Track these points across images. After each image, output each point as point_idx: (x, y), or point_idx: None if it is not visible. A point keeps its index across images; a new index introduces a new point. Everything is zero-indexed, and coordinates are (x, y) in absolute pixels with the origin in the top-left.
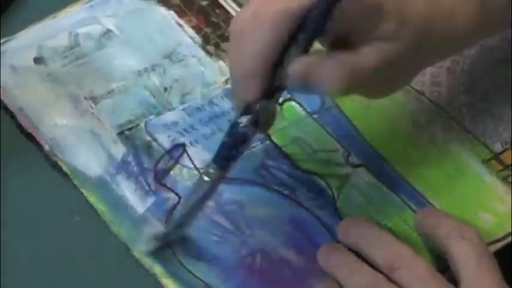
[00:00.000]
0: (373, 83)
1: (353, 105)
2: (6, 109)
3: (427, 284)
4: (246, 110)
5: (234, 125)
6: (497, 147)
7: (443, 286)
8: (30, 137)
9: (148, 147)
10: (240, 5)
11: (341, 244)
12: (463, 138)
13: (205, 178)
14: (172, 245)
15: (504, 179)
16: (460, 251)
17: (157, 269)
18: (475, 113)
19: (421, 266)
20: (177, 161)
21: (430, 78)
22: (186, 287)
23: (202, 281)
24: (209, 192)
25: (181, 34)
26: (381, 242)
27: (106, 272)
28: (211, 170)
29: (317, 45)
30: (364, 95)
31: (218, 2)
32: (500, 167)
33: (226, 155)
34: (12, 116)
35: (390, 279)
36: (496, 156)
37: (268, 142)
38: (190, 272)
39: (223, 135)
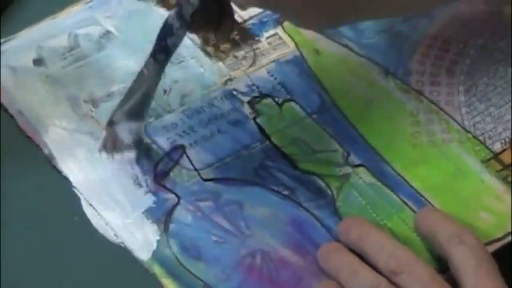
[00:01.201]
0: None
1: (353, 105)
2: (6, 112)
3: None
4: (177, 5)
5: (167, 18)
6: (497, 147)
7: None
8: (30, 139)
9: (147, 149)
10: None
11: (341, 244)
12: (463, 138)
13: (145, 72)
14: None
15: (504, 179)
16: (460, 255)
17: (157, 269)
18: (474, 113)
19: (423, 270)
20: (176, 163)
21: (429, 78)
22: (185, 287)
23: (201, 281)
24: (150, 85)
25: None
26: (383, 245)
27: (106, 272)
28: (149, 65)
29: None
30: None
31: None
32: (500, 167)
33: (159, 48)
34: (13, 116)
35: (392, 283)
36: (496, 156)
37: (267, 142)
38: (189, 271)
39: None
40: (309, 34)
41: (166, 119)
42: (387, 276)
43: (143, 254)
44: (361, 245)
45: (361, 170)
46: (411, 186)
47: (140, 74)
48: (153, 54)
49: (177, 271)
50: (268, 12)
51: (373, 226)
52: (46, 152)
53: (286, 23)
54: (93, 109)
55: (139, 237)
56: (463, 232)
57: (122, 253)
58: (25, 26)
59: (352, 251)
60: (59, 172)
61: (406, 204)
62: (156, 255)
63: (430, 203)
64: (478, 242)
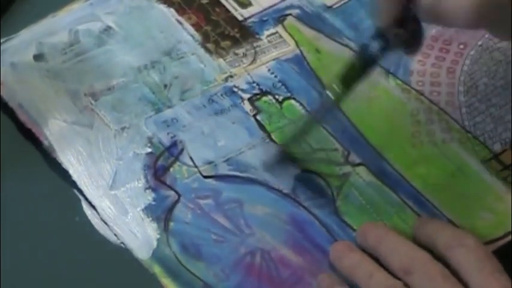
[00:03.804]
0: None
1: (353, 104)
2: (6, 106)
3: None
4: (378, 34)
5: (365, 48)
6: (497, 147)
7: None
8: (29, 134)
9: (147, 144)
10: (239, 4)
11: (353, 244)
12: (463, 139)
13: (330, 96)
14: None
15: (504, 179)
16: (461, 259)
17: (157, 269)
18: (474, 113)
19: (437, 271)
20: (176, 159)
21: (429, 78)
22: (185, 287)
23: (201, 280)
24: (331, 109)
25: (181, 31)
26: (398, 246)
27: (106, 272)
28: (336, 89)
29: None
30: (492, 31)
31: (218, 0)
32: (500, 167)
33: (354, 75)
34: (12, 116)
35: (407, 285)
36: (496, 157)
37: (268, 140)
38: (189, 271)
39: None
40: (309, 33)
41: (167, 114)
42: (400, 276)
43: (143, 253)
44: (378, 247)
45: (361, 169)
46: (411, 185)
47: (325, 98)
48: (346, 81)
49: (176, 271)
50: (268, 11)
51: (390, 230)
52: (46, 144)
53: (286, 22)
54: (93, 102)
55: (139, 236)
56: (461, 235)
57: (122, 253)
58: (26, 25)
59: (369, 255)
60: (59, 171)
61: (406, 204)
62: (156, 255)
63: (430, 202)
64: (477, 243)
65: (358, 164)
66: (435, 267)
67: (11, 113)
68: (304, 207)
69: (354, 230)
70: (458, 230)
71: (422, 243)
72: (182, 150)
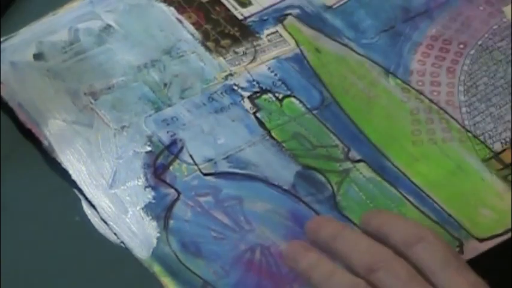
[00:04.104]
0: None
1: (353, 102)
2: (6, 106)
3: (407, 287)
4: None
5: None
6: (497, 147)
7: None
8: (29, 134)
9: (147, 142)
10: (240, 3)
11: (308, 243)
12: (463, 137)
13: None
14: None
15: (504, 178)
16: (423, 256)
17: (157, 268)
18: (474, 112)
19: (401, 268)
20: (176, 157)
21: (429, 77)
22: (184, 286)
23: (201, 278)
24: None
25: (181, 30)
26: (356, 242)
27: (105, 271)
28: None
29: None
30: None
31: None
32: (500, 166)
33: None
34: (12, 116)
35: (369, 283)
36: (496, 156)
37: (268, 137)
38: (189, 269)
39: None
40: (309, 33)
41: (167, 112)
42: (363, 274)
43: (143, 252)
44: (333, 243)
45: (361, 165)
46: (412, 181)
47: None
48: None
49: (176, 269)
50: (268, 10)
51: (345, 225)
52: (46, 143)
53: (286, 21)
54: (93, 101)
55: (139, 235)
56: (418, 230)
57: (122, 252)
58: (26, 23)
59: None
60: (59, 170)
61: (407, 199)
62: (156, 253)
63: (431, 198)
64: (436, 237)
65: (359, 161)
66: (399, 264)
67: (11, 113)
68: (304, 202)
69: (355, 224)
70: (412, 224)
71: (373, 236)
72: (182, 148)
